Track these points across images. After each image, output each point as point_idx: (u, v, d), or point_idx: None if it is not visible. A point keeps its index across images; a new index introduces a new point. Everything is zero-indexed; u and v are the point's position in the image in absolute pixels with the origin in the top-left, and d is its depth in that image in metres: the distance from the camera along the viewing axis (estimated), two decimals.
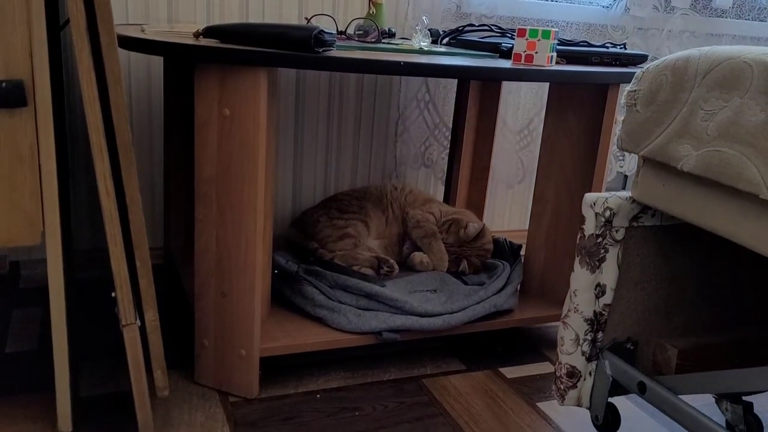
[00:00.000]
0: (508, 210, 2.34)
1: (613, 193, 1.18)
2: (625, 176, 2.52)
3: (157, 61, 1.76)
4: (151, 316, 1.12)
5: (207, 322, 1.30)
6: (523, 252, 1.72)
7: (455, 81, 2.03)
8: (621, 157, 2.39)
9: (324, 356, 1.50)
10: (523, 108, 2.19)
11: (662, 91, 1.05)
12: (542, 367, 1.54)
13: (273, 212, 2.00)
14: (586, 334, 1.21)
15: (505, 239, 1.75)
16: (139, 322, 1.11)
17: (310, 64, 1.14)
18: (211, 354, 1.31)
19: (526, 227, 2.36)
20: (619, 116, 2.13)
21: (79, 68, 0.98)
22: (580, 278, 1.18)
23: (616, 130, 2.20)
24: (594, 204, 1.15)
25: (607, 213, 1.15)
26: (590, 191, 1.53)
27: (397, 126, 2.08)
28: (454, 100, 2.03)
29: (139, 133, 1.80)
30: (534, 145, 2.22)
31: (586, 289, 1.18)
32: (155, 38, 1.16)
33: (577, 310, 1.20)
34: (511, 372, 1.50)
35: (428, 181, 2.19)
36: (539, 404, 1.39)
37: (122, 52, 1.73)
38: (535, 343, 1.64)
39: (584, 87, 1.54)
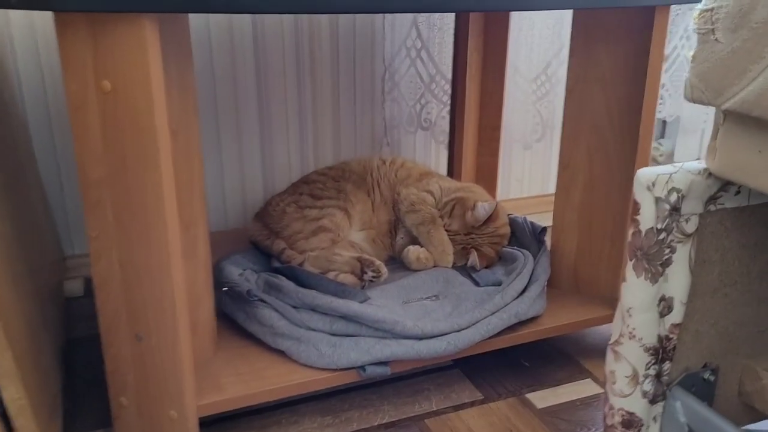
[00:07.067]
0: (527, 174, 1.98)
1: (679, 165, 0.80)
2: (664, 122, 2.11)
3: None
4: (13, 393, 0.78)
5: (122, 375, 0.95)
6: (548, 235, 1.35)
7: (452, 22, 1.64)
8: (659, 100, 1.98)
9: (295, 396, 1.15)
10: (537, 49, 1.80)
11: (761, 6, 0.66)
12: (581, 388, 1.18)
13: (242, 204, 1.65)
14: (648, 368, 0.85)
15: (525, 219, 1.38)
16: None
17: (213, 6, 0.77)
18: (133, 416, 0.97)
19: (548, 191, 1.99)
20: (671, 51, 1.67)
21: None
22: (637, 291, 0.82)
23: (665, 70, 1.78)
24: (653, 185, 0.78)
25: (673, 197, 0.78)
26: (635, 155, 1.15)
27: (383, 82, 1.70)
28: (452, 46, 1.64)
29: (33, 119, 1.41)
30: (554, 93, 1.85)
31: (647, 307, 0.82)
32: None
33: (634, 336, 0.84)
34: (541, 398, 1.15)
35: (428, 146, 1.82)
36: None
37: None
38: (569, 353, 1.28)
39: (620, 13, 1.15)
